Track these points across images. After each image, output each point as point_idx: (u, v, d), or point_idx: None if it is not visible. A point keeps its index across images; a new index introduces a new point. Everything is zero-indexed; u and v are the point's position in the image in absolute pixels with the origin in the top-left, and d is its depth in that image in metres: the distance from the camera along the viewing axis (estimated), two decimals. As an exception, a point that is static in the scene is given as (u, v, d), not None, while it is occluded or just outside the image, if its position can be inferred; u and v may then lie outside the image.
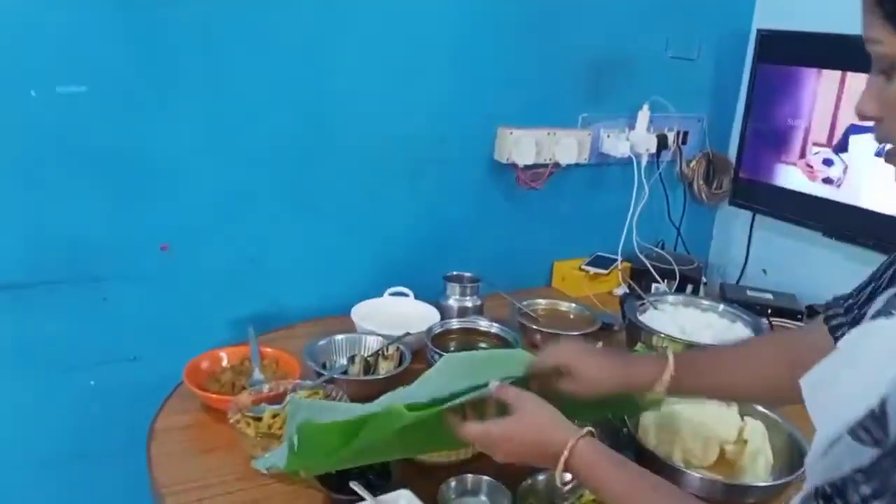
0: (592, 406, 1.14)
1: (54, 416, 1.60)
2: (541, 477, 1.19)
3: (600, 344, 1.54)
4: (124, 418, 1.64)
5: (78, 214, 1.50)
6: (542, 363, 1.13)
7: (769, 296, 2.07)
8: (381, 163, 1.80)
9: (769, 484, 1.18)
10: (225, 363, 1.49)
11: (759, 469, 1.21)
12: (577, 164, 1.99)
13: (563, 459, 0.92)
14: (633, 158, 2.03)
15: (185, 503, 1.15)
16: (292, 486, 1.20)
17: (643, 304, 1.77)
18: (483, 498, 1.19)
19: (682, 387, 1.07)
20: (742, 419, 1.27)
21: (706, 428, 1.22)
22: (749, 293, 2.07)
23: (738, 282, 2.28)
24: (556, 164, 1.95)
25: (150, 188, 1.55)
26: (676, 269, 2.07)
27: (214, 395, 1.36)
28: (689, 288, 2.07)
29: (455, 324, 1.61)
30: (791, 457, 1.24)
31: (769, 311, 1.97)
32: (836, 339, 0.93)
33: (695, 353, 1.22)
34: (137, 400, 1.60)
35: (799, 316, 2.00)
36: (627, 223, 2.07)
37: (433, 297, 1.78)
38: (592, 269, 2.08)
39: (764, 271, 2.28)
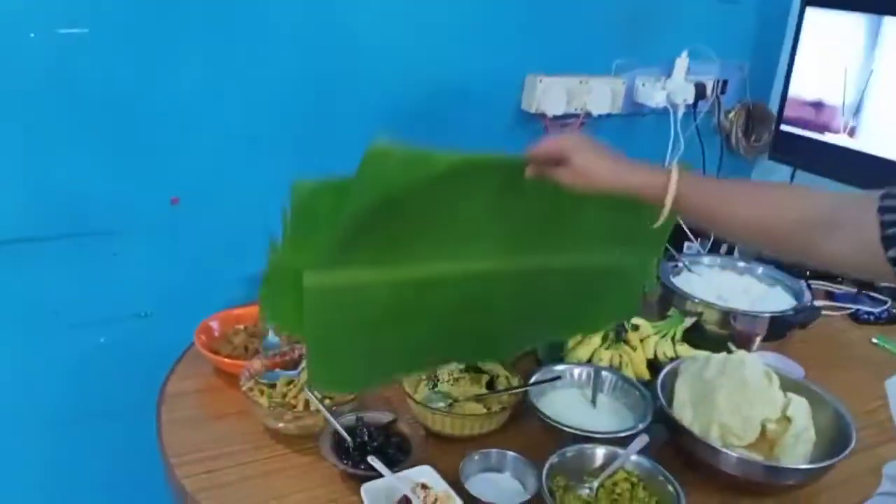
0: (596, 210, 1.07)
1: (61, 374, 1.55)
2: (570, 452, 1.12)
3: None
4: (135, 377, 1.60)
5: (84, 165, 1.42)
6: (540, 150, 1.00)
7: (807, 256, 1.96)
8: (400, 110, 1.69)
9: (812, 467, 1.11)
10: (238, 324, 1.43)
11: (801, 449, 1.14)
12: (609, 115, 1.87)
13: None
14: (670, 109, 1.90)
15: (195, 474, 1.10)
16: (307, 458, 1.15)
17: (677, 266, 1.68)
18: (507, 474, 1.13)
19: (689, 205, 0.93)
20: (785, 395, 1.19)
21: (747, 404, 1.14)
22: (787, 254, 1.97)
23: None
24: (588, 115, 1.83)
25: (158, 137, 1.46)
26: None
27: (227, 360, 1.30)
28: (724, 247, 1.97)
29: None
30: (836, 436, 1.16)
31: (807, 272, 1.87)
32: (886, 241, 0.74)
33: (704, 177, 1.11)
34: (149, 358, 1.55)
35: (839, 279, 1.90)
36: (661, 178, 1.95)
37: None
38: (622, 227, 1.98)
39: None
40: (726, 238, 1.14)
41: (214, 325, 1.40)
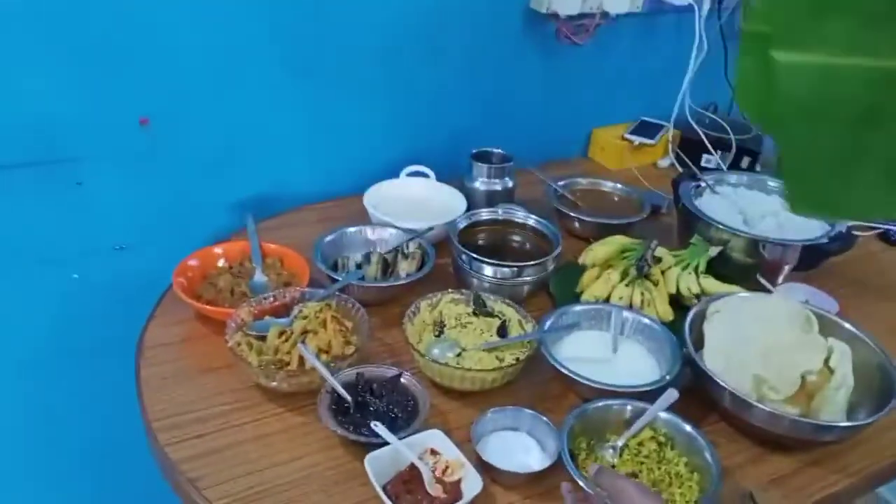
0: None
1: (34, 312, 1.43)
2: (591, 409, 1.02)
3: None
4: (115, 312, 1.48)
5: (40, 82, 1.24)
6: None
7: (835, 169, 1.82)
8: (404, 10, 1.50)
9: (855, 424, 1.01)
10: (221, 263, 1.29)
11: (840, 399, 1.04)
12: (627, 14, 1.68)
13: None
14: (694, 6, 1.71)
15: (179, 440, 1.00)
16: (305, 418, 1.05)
17: (700, 185, 1.54)
18: (523, 433, 1.04)
19: None
20: (826, 340, 1.08)
21: (786, 355, 1.04)
22: (813, 166, 1.82)
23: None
24: (604, 14, 1.64)
25: (122, 49, 1.28)
26: (733, 137, 1.81)
27: (210, 307, 1.18)
28: (746, 161, 1.83)
29: (485, 215, 1.38)
30: (877, 382, 1.06)
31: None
32: None
33: None
34: (128, 292, 1.45)
35: (869, 194, 1.76)
36: (684, 84, 1.77)
37: (456, 177, 1.55)
38: (637, 139, 1.83)
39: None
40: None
41: (194, 264, 1.27)
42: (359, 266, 1.30)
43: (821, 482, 1.03)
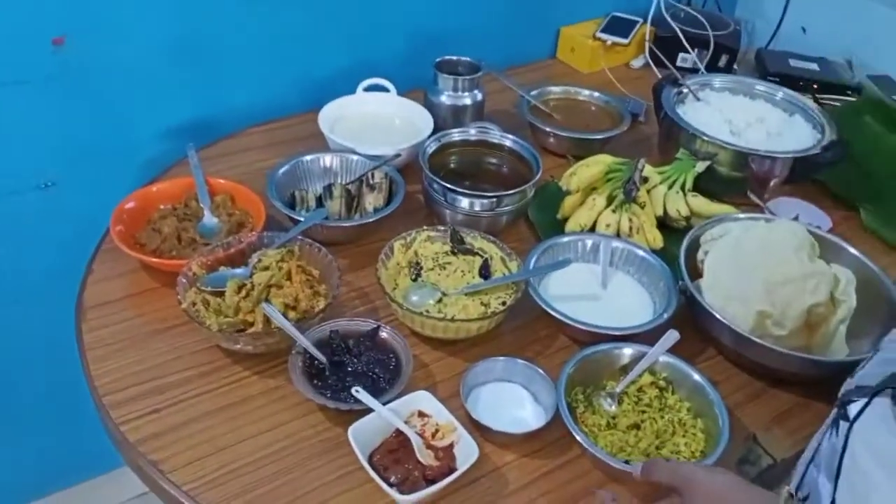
0: None
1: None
2: (585, 357, 0.95)
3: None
4: (48, 256, 1.34)
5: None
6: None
7: (815, 66, 1.73)
8: None
9: (859, 358, 0.96)
10: (164, 205, 1.15)
11: (843, 333, 0.99)
12: None
13: None
14: None
15: (135, 417, 0.89)
16: (275, 381, 0.95)
17: (682, 91, 1.42)
18: (515, 384, 0.96)
19: None
20: (829, 266, 1.01)
21: (791, 287, 0.97)
22: (792, 63, 1.73)
23: (769, 43, 1.91)
24: None
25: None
26: (711, 34, 1.69)
27: (156, 259, 1.04)
28: (724, 59, 1.71)
29: (456, 136, 1.25)
30: (879, 306, 1.01)
31: (815, 86, 1.65)
32: None
33: None
34: (62, 236, 1.30)
35: (849, 92, 1.68)
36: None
37: (419, 88, 1.41)
38: (610, 39, 1.69)
39: (803, 29, 1.90)
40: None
41: (133, 206, 1.11)
42: (319, 201, 1.17)
43: (825, 418, 0.99)
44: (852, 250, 1.08)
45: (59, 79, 1.21)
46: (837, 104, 1.64)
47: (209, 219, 1.12)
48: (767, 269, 0.98)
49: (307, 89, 1.46)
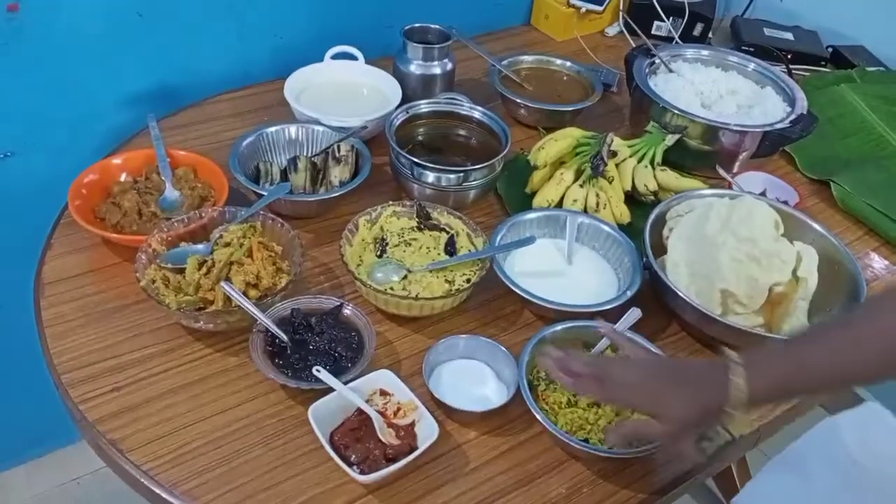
0: None
1: None
2: (548, 334, 0.95)
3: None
4: (5, 229, 1.32)
5: None
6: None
7: (789, 35, 1.72)
8: None
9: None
10: (124, 177, 1.12)
11: (804, 308, 1.00)
12: None
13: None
14: None
15: (95, 396, 0.88)
16: (237, 359, 0.94)
17: (654, 62, 1.41)
18: (477, 361, 0.96)
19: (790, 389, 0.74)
20: (792, 244, 1.02)
21: (755, 267, 0.97)
22: (767, 32, 1.72)
23: (745, 12, 1.89)
24: None
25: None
26: (686, 2, 1.67)
27: (116, 235, 1.02)
28: (699, 28, 1.70)
29: (424, 107, 1.23)
30: (840, 283, 1.02)
31: (789, 56, 1.64)
32: None
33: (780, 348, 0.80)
34: (21, 206, 1.28)
35: (822, 63, 1.68)
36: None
37: (387, 56, 1.38)
38: (584, 6, 1.66)
39: (780, -2, 1.88)
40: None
41: (92, 179, 1.09)
42: (284, 174, 1.15)
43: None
44: (816, 226, 1.08)
45: (15, 46, 1.16)
46: (808, 74, 1.64)
47: (171, 192, 1.10)
48: (730, 247, 0.99)
49: (273, 56, 1.42)
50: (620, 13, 1.69)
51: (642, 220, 1.10)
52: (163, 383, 0.91)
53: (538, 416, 0.86)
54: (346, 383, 0.87)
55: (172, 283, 0.95)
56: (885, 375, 0.69)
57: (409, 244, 1.05)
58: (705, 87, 1.38)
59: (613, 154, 1.19)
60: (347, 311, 0.96)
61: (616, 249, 1.09)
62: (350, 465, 0.81)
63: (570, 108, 1.36)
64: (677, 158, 1.27)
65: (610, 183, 1.18)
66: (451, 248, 1.06)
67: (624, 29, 1.70)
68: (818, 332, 0.75)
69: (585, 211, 1.14)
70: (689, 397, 0.74)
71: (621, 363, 0.85)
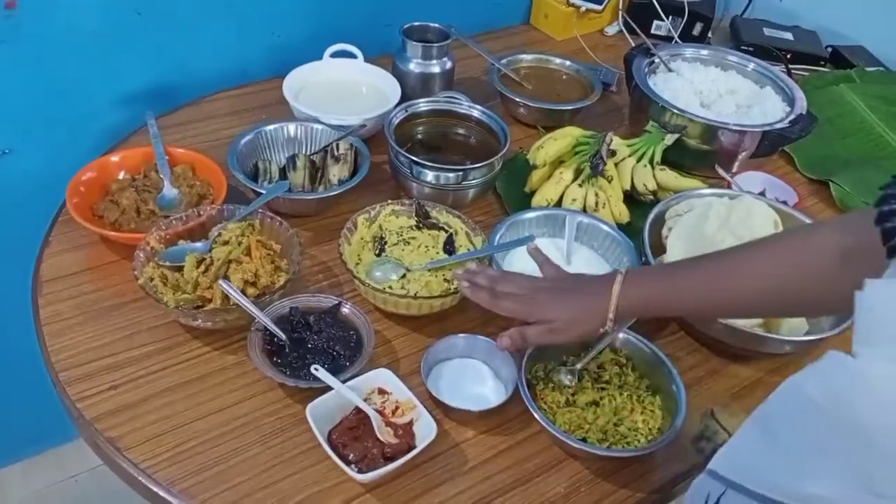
0: None
1: None
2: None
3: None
4: (3, 227, 1.31)
5: None
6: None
7: (789, 35, 1.72)
8: None
9: (819, 337, 0.97)
10: (122, 175, 1.12)
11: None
12: None
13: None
14: None
15: (92, 394, 0.88)
16: (235, 357, 0.94)
17: (654, 62, 1.41)
18: (475, 360, 0.96)
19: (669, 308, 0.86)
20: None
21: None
22: (766, 32, 1.71)
23: (744, 12, 1.89)
24: None
25: None
26: (685, 1, 1.67)
27: (115, 233, 1.02)
28: (699, 27, 1.70)
29: (423, 105, 1.23)
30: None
31: (788, 56, 1.64)
32: (889, 240, 0.57)
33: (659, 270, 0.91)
34: (20, 203, 1.28)
35: (822, 63, 1.68)
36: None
37: (386, 54, 1.38)
38: (583, 5, 1.66)
39: (779, -3, 1.88)
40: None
41: (90, 177, 1.09)
42: (283, 172, 1.15)
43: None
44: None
45: (12, 43, 1.16)
46: (807, 74, 1.64)
47: (169, 190, 1.09)
48: (728, 247, 0.98)
49: (272, 55, 1.42)
50: (620, 12, 1.69)
51: (641, 219, 1.10)
52: (161, 381, 0.91)
53: (536, 416, 0.85)
54: (344, 382, 0.86)
55: (170, 281, 0.95)
56: (749, 312, 0.85)
57: (408, 243, 1.05)
58: (704, 86, 1.38)
59: (613, 153, 1.19)
60: (346, 309, 0.96)
61: (615, 249, 1.09)
62: (348, 463, 0.81)
63: (570, 108, 1.35)
64: (676, 158, 1.27)
65: (609, 182, 1.18)
66: (449, 247, 1.05)
67: (623, 28, 1.70)
68: (700, 261, 0.83)
69: (584, 210, 1.14)
70: (572, 302, 0.84)
71: (515, 277, 0.92)
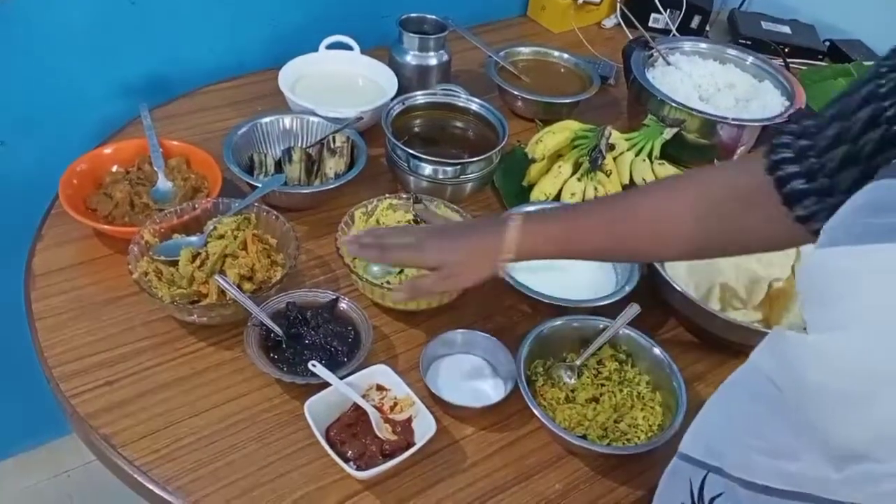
0: None
1: None
2: (546, 330, 0.94)
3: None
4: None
5: None
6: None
7: (787, 29, 1.71)
8: None
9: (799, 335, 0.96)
10: (115, 168, 1.10)
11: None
12: None
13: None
14: None
15: (87, 390, 0.87)
16: (231, 353, 0.93)
17: (653, 55, 1.40)
18: (474, 356, 0.95)
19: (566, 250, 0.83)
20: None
21: (755, 262, 0.97)
22: (764, 25, 1.71)
23: (742, 5, 1.88)
24: None
25: None
26: (684, -6, 1.66)
27: (108, 227, 1.01)
28: (697, 20, 1.69)
29: (421, 98, 1.21)
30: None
31: (786, 49, 1.63)
32: (782, 188, 0.65)
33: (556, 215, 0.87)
34: (12, 196, 1.26)
35: (819, 57, 1.67)
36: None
37: (383, 46, 1.37)
38: (581, -3, 1.65)
39: (778, -9, 1.87)
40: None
41: (83, 169, 1.07)
42: (279, 165, 1.14)
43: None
44: (815, 222, 1.08)
45: (4, 34, 1.14)
46: (805, 68, 1.63)
47: (163, 183, 1.08)
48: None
49: (267, 46, 1.40)
50: (618, 5, 1.68)
51: (641, 214, 1.09)
52: (156, 377, 0.90)
53: (536, 412, 0.85)
54: (342, 378, 0.86)
55: (165, 275, 0.94)
56: (648, 253, 0.85)
57: (406, 237, 1.04)
58: (703, 80, 1.37)
59: (612, 147, 1.18)
60: (343, 304, 0.95)
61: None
62: (346, 460, 0.81)
63: (568, 101, 1.34)
64: (675, 152, 1.27)
65: (608, 176, 1.17)
66: (448, 242, 1.04)
67: (621, 21, 1.69)
68: (603, 200, 0.85)
69: (583, 204, 1.13)
70: (462, 245, 0.82)
71: (402, 228, 0.94)
